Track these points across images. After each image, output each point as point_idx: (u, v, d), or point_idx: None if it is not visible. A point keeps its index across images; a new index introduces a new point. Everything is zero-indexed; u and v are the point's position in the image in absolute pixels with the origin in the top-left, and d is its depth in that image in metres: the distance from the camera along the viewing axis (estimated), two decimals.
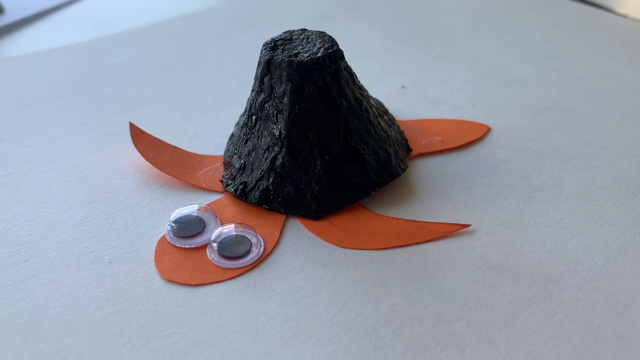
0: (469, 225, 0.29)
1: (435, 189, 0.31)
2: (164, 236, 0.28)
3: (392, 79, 0.40)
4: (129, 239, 0.28)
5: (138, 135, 0.34)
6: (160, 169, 0.32)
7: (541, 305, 0.25)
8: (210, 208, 0.29)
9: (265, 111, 0.30)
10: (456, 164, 0.33)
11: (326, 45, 0.30)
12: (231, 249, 0.27)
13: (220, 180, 0.31)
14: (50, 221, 0.29)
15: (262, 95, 0.30)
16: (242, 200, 0.30)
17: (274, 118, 0.30)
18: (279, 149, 0.29)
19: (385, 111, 0.34)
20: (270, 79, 0.30)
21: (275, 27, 0.46)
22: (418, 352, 0.23)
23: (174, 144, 0.34)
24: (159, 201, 0.31)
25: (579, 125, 0.35)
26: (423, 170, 0.32)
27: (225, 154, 0.33)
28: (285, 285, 0.26)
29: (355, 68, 0.37)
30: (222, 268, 0.27)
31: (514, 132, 0.35)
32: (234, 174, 0.31)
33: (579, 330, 0.24)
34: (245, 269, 0.27)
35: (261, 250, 0.28)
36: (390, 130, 0.32)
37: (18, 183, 0.32)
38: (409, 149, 0.33)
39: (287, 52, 0.30)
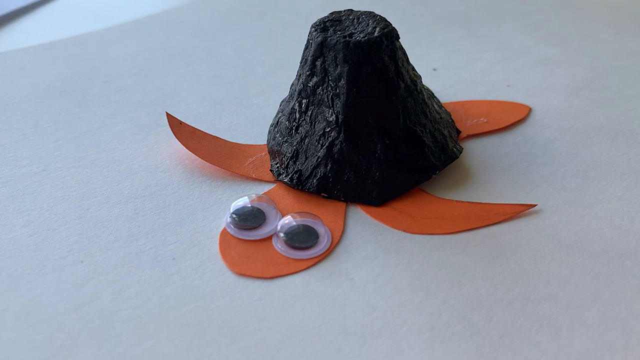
0: (534, 205, 0.28)
1: (492, 170, 0.31)
2: (225, 229, 0.27)
3: (421, 62, 0.39)
4: (188, 233, 0.27)
5: (177, 126, 0.32)
6: (205, 160, 0.30)
7: (623, 282, 0.25)
8: (269, 198, 0.28)
9: (318, 96, 0.29)
10: (506, 145, 0.32)
11: (381, 25, 0.29)
12: (299, 239, 0.26)
13: (271, 170, 0.30)
14: (98, 218, 0.28)
15: (315, 79, 0.29)
16: (298, 189, 0.29)
17: (329, 102, 0.29)
18: (336, 135, 0.28)
19: (433, 95, 0.33)
20: (324, 62, 0.29)
21: (290, 13, 0.45)
22: (514, 335, 0.23)
23: (209, 132, 0.33)
24: (210, 193, 0.29)
25: (616, 104, 0.36)
26: (475, 151, 0.32)
27: (269, 142, 0.32)
28: (363, 274, 0.25)
29: None
30: (294, 259, 0.26)
31: (554, 112, 0.35)
32: (286, 162, 0.30)
33: None
34: (317, 259, 0.26)
35: (329, 239, 0.27)
36: (442, 112, 0.32)
37: (53, 180, 0.30)
38: (457, 131, 0.33)
39: (339, 33, 0.29)
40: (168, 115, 0.32)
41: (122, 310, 0.23)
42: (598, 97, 0.36)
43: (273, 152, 0.31)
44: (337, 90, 0.28)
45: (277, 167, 0.30)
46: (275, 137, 0.31)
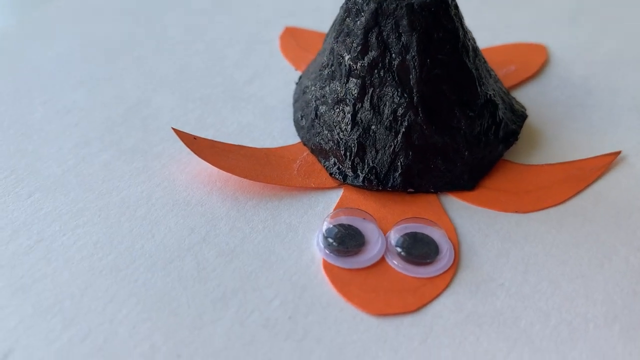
0: (620, 152, 0.26)
1: (553, 123, 0.28)
2: (324, 260, 0.22)
3: None
4: (283, 278, 0.21)
5: (193, 143, 0.25)
6: (247, 178, 0.24)
7: None
8: (356, 209, 0.23)
9: (378, 75, 0.24)
10: (549, 92, 0.30)
11: None
12: (418, 251, 0.22)
13: (330, 173, 0.25)
14: (159, 290, 0.21)
15: (370, 55, 0.24)
16: (378, 189, 0.24)
17: (395, 80, 0.24)
18: (412, 117, 0.24)
19: None
20: (380, 33, 0.24)
21: None
22: None
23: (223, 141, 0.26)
24: (274, 219, 0.23)
25: (616, 25, 0.35)
26: (525, 103, 0.29)
27: (309, 139, 0.26)
28: (508, 275, 0.22)
29: None
30: (427, 278, 0.21)
31: (567, 46, 0.33)
32: (350, 160, 0.24)
33: None
34: (452, 271, 0.22)
35: (449, 243, 0.22)
36: (489, 67, 0.28)
37: (62, 251, 0.22)
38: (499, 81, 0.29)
39: None
40: (177, 132, 0.25)
41: None
42: (596, 20, 0.35)
43: (322, 150, 0.25)
44: (406, 65, 0.24)
45: (338, 168, 0.25)
46: (318, 132, 0.26)
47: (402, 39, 0.23)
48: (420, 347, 0.19)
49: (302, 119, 0.27)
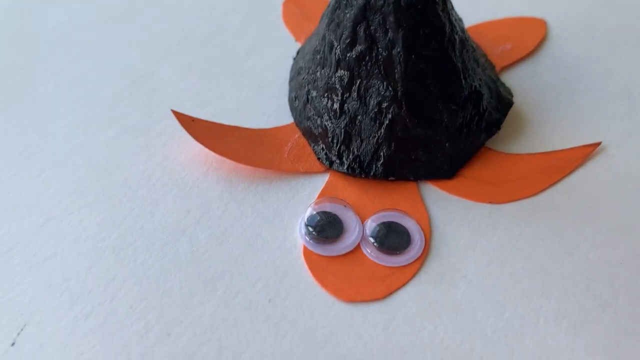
0: (599, 143, 0.27)
1: (541, 108, 0.29)
2: (304, 247, 0.24)
3: None
4: (267, 262, 0.23)
5: (190, 125, 0.27)
6: (238, 161, 0.26)
7: None
8: (337, 200, 0.25)
9: (365, 67, 0.25)
10: (541, 72, 0.31)
11: None
12: (391, 241, 0.24)
13: (318, 158, 0.27)
14: (156, 270, 0.23)
15: (358, 48, 0.25)
16: (361, 177, 0.26)
17: (381, 74, 0.25)
18: (396, 110, 0.25)
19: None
20: (368, 27, 0.24)
21: None
22: None
23: (220, 121, 0.28)
24: (263, 202, 0.25)
25: (624, 3, 0.34)
26: (515, 86, 0.30)
27: (301, 121, 0.27)
28: (472, 267, 0.24)
29: None
30: (397, 267, 0.23)
31: (568, 21, 0.33)
32: (336, 147, 0.26)
33: None
34: (421, 261, 0.24)
35: (421, 233, 0.24)
36: (480, 51, 0.29)
37: (69, 230, 0.24)
38: (492, 64, 0.30)
39: None
40: (176, 114, 0.27)
41: None
42: None
43: (312, 135, 0.27)
44: (392, 59, 0.24)
45: (326, 154, 0.26)
46: (309, 116, 0.27)
47: (389, 34, 0.24)
48: (382, 334, 0.22)
49: (295, 100, 0.28)
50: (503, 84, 0.29)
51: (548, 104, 0.29)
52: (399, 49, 0.24)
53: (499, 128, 0.27)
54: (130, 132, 0.28)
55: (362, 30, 0.25)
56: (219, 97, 0.29)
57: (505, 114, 0.27)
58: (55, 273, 0.23)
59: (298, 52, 0.30)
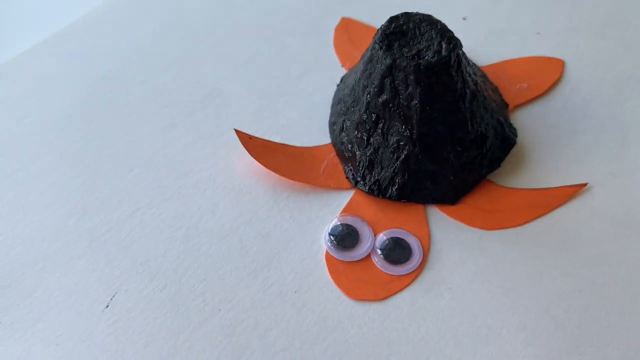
0: (586, 184, 0.32)
1: (542, 146, 0.34)
2: (327, 252, 0.31)
3: (450, 10, 0.40)
4: (297, 261, 0.30)
5: (248, 142, 0.33)
6: (282, 175, 0.33)
7: None
8: (353, 214, 0.31)
9: (389, 111, 0.31)
10: (550, 112, 0.35)
11: (445, 38, 0.30)
12: (395, 254, 0.30)
13: (347, 177, 0.33)
14: (214, 258, 0.30)
15: (384, 96, 0.31)
16: (378, 197, 0.32)
17: (402, 118, 0.31)
18: (411, 148, 0.31)
19: (483, 74, 0.35)
20: (393, 81, 0.30)
21: None
22: (590, 322, 0.28)
23: (271, 137, 0.35)
24: (300, 211, 0.32)
25: (639, 42, 0.38)
26: (524, 125, 0.35)
27: (336, 143, 0.34)
28: (458, 281, 0.30)
29: (406, 2, 0.39)
30: (397, 276, 0.30)
31: (585, 61, 0.37)
32: (362, 171, 0.32)
33: None
34: (417, 272, 0.30)
35: (420, 249, 0.31)
36: (495, 96, 0.34)
37: (151, 221, 0.32)
38: (506, 104, 0.35)
39: (406, 50, 0.30)
40: (237, 132, 0.33)
41: (275, 354, 0.28)
42: (622, 35, 0.38)
43: (344, 157, 0.33)
44: (410, 109, 0.30)
45: (353, 175, 0.33)
46: (343, 142, 0.33)
47: (409, 89, 0.30)
48: (377, 328, 0.28)
49: (334, 125, 0.34)
50: (510, 125, 0.34)
51: (549, 143, 0.34)
52: (416, 102, 0.30)
53: (499, 165, 0.32)
54: (202, 141, 0.35)
55: (388, 82, 0.30)
56: (273, 115, 0.36)
57: (507, 153, 0.33)
58: (139, 254, 0.31)
59: (342, 80, 0.36)
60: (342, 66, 0.38)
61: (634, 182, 0.32)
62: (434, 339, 0.28)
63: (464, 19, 0.40)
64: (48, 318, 0.29)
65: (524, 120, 0.35)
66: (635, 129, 0.34)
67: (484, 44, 0.38)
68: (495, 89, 0.35)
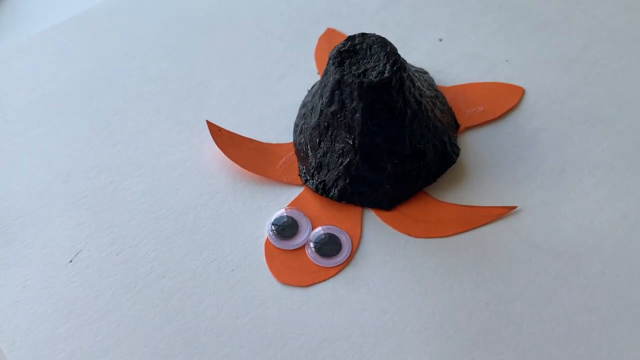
0: (515, 207, 0.35)
1: (484, 167, 0.37)
2: (267, 239, 0.34)
3: (429, 30, 0.43)
4: (240, 244, 0.34)
5: (217, 134, 0.37)
6: (243, 167, 0.37)
7: (576, 281, 0.33)
8: (298, 209, 0.35)
9: (337, 121, 0.34)
10: (499, 137, 0.38)
11: (391, 61, 0.33)
12: (326, 248, 0.34)
13: (299, 175, 0.36)
14: (168, 232, 0.35)
15: (333, 107, 0.34)
16: (322, 196, 0.36)
17: (346, 128, 0.34)
18: (353, 156, 0.34)
19: (436, 95, 0.37)
20: (341, 94, 0.33)
21: None
22: (487, 332, 0.31)
23: (243, 130, 0.38)
24: (252, 200, 0.36)
25: (603, 81, 0.40)
26: (471, 145, 0.37)
27: (296, 143, 0.37)
28: (376, 279, 0.33)
29: (391, 16, 0.42)
30: (323, 267, 0.33)
31: (546, 92, 0.39)
32: (311, 171, 0.36)
33: (604, 302, 0.32)
34: (342, 267, 0.33)
35: (350, 247, 0.34)
36: (443, 117, 0.37)
37: (122, 191, 0.36)
38: (457, 125, 0.38)
39: (354, 68, 0.33)
40: (208, 123, 0.38)
41: (202, 322, 0.32)
42: (588, 72, 0.40)
43: (300, 156, 0.37)
44: (354, 121, 0.33)
45: (304, 173, 0.36)
46: (301, 142, 0.37)
47: (353, 103, 0.33)
48: (296, 310, 0.32)
49: (297, 126, 0.38)
50: (454, 145, 0.37)
51: (491, 166, 0.37)
52: (358, 115, 0.33)
53: (434, 180, 0.35)
54: (181, 126, 0.39)
55: (337, 95, 0.34)
56: (248, 111, 0.40)
57: (445, 170, 0.36)
58: (106, 220, 0.35)
59: (313, 86, 0.40)
60: (318, 73, 0.41)
61: (560, 213, 0.35)
62: (344, 325, 0.32)
63: (440, 40, 0.42)
64: (20, 264, 0.34)
65: (471, 142, 0.38)
66: (574, 163, 0.36)
67: (453, 66, 0.41)
68: (449, 110, 0.38)
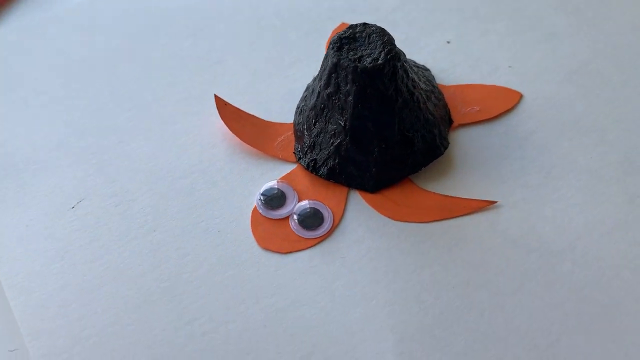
0: (496, 202, 0.36)
1: (472, 163, 0.38)
2: (255, 207, 0.37)
3: (438, 33, 0.44)
4: (229, 209, 0.37)
5: (222, 107, 0.40)
6: (243, 140, 0.39)
7: (545, 277, 0.33)
8: (288, 183, 0.37)
9: (332, 103, 0.36)
10: (491, 136, 0.39)
11: (386, 50, 0.35)
12: (309, 221, 0.36)
13: (294, 152, 0.38)
14: (165, 192, 0.37)
15: (329, 89, 0.36)
16: (312, 173, 0.37)
17: (340, 110, 0.36)
18: (343, 137, 0.36)
19: (432, 90, 0.39)
20: (337, 77, 0.35)
21: None
22: (450, 314, 0.32)
23: (249, 108, 0.41)
24: (247, 171, 0.38)
25: (601, 94, 0.40)
26: (463, 142, 0.39)
27: (296, 123, 0.39)
28: (352, 254, 0.35)
29: (404, 16, 0.44)
30: (303, 238, 0.35)
31: (543, 100, 0.41)
32: (305, 149, 0.38)
33: (569, 299, 0.33)
34: (321, 239, 0.35)
35: (331, 222, 0.36)
36: (436, 111, 0.38)
37: (130, 152, 0.39)
38: (450, 121, 0.39)
39: (352, 53, 0.35)
40: (216, 97, 0.40)
41: (184, 273, 0.34)
42: (588, 84, 0.41)
43: (297, 135, 0.39)
44: (347, 103, 0.35)
45: (299, 151, 0.38)
46: (299, 122, 0.39)
47: (347, 86, 0.35)
48: (272, 273, 0.34)
49: (298, 108, 0.40)
50: (444, 138, 0.38)
51: (479, 162, 0.38)
52: (351, 98, 0.35)
53: (420, 169, 0.37)
54: (192, 99, 0.42)
55: (333, 78, 0.36)
56: (257, 92, 0.42)
57: (431, 160, 0.37)
58: (110, 175, 0.38)
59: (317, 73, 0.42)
60: None
61: (539, 212, 0.36)
62: (315, 291, 0.33)
63: (448, 42, 0.44)
64: (27, 205, 0.37)
65: (463, 138, 0.39)
66: (561, 167, 0.37)
67: (456, 67, 0.42)
68: (443, 106, 0.39)
